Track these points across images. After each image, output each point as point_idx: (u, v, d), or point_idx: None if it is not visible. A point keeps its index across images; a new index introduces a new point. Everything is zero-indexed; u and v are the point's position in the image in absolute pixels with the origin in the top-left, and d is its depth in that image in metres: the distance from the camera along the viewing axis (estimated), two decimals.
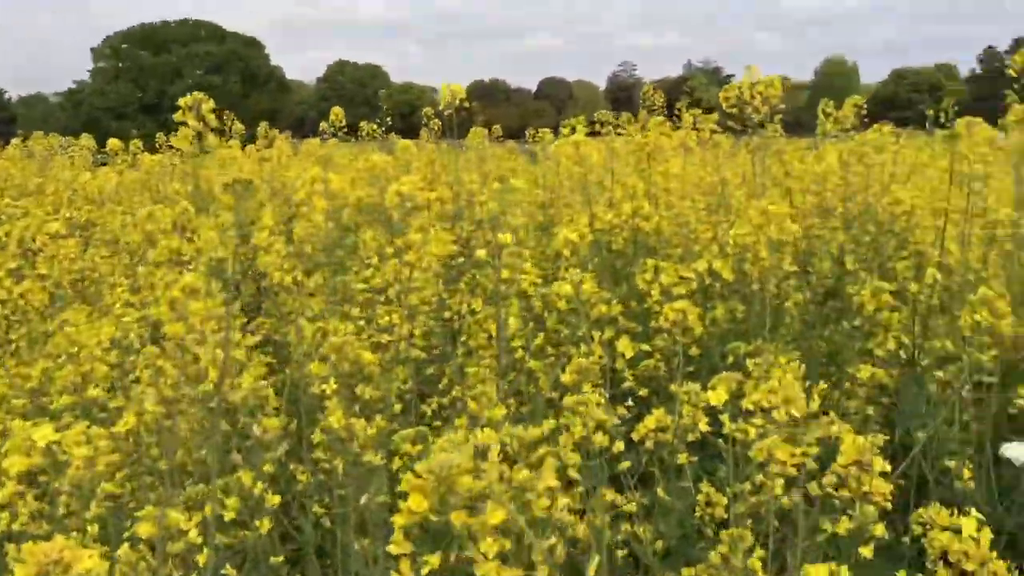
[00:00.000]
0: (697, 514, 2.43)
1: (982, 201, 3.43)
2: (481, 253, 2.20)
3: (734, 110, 3.72)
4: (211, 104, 2.90)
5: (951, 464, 3.08)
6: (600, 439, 2.03)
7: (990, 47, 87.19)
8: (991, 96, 3.84)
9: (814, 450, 2.52)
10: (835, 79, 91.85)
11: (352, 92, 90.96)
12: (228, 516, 1.99)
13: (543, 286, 2.96)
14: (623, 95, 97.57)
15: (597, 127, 5.35)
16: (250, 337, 1.93)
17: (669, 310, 2.80)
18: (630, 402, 2.78)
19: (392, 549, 1.12)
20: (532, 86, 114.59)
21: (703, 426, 2.10)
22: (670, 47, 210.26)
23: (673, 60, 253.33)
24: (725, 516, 2.40)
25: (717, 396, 1.83)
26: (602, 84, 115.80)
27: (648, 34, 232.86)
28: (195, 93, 2.69)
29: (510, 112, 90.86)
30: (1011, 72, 3.48)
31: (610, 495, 2.47)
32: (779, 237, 2.68)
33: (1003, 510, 3.03)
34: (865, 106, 5.40)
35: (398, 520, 1.09)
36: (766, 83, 3.54)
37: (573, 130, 4.09)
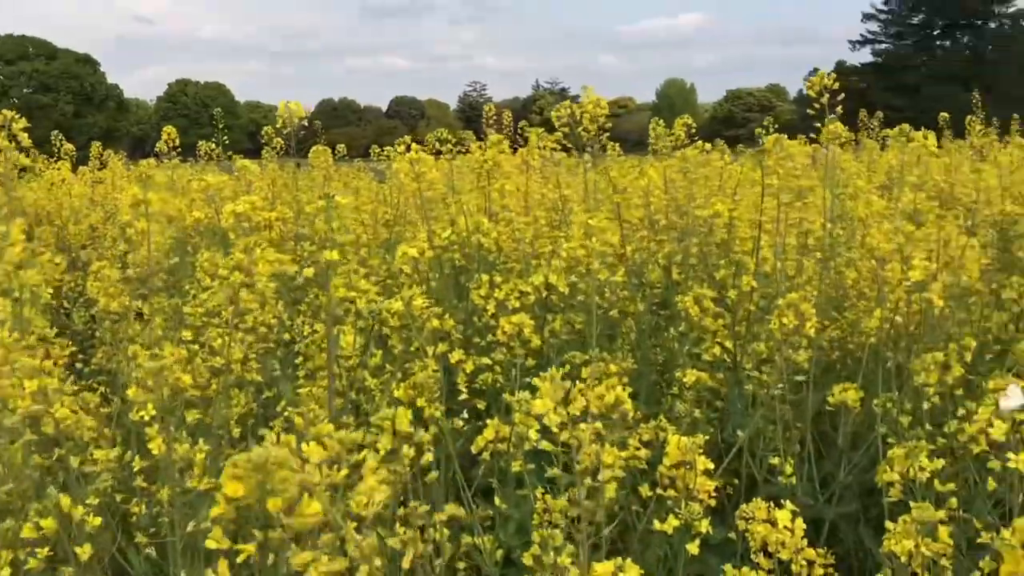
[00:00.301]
0: (535, 521, 2.48)
1: (796, 212, 3.65)
2: (308, 272, 2.18)
3: (566, 128, 3.82)
4: (23, 123, 2.77)
5: (775, 461, 3.26)
6: (408, 452, 2.04)
7: (816, 69, 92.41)
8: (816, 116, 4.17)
9: (644, 453, 2.62)
10: (675, 99, 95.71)
11: (195, 111, 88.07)
12: (42, 553, 1.88)
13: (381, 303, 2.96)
14: (474, 114, 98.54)
15: (438, 145, 5.38)
16: (49, 364, 1.84)
17: (505, 323, 2.85)
18: (465, 415, 2.82)
19: (209, 544, 1.12)
20: (384, 104, 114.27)
21: (533, 434, 2.15)
22: (521, 69, 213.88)
23: (525, 81, 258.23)
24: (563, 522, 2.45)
25: (543, 404, 1.87)
26: (453, 103, 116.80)
27: (499, 56, 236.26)
28: (4, 111, 2.56)
29: (362, 131, 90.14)
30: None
31: (450, 508, 2.49)
32: (602, 250, 2.78)
33: (824, 502, 3.22)
34: (695, 125, 5.66)
35: (214, 511, 1.09)
36: (594, 103, 3.65)
37: (408, 148, 4.10)
